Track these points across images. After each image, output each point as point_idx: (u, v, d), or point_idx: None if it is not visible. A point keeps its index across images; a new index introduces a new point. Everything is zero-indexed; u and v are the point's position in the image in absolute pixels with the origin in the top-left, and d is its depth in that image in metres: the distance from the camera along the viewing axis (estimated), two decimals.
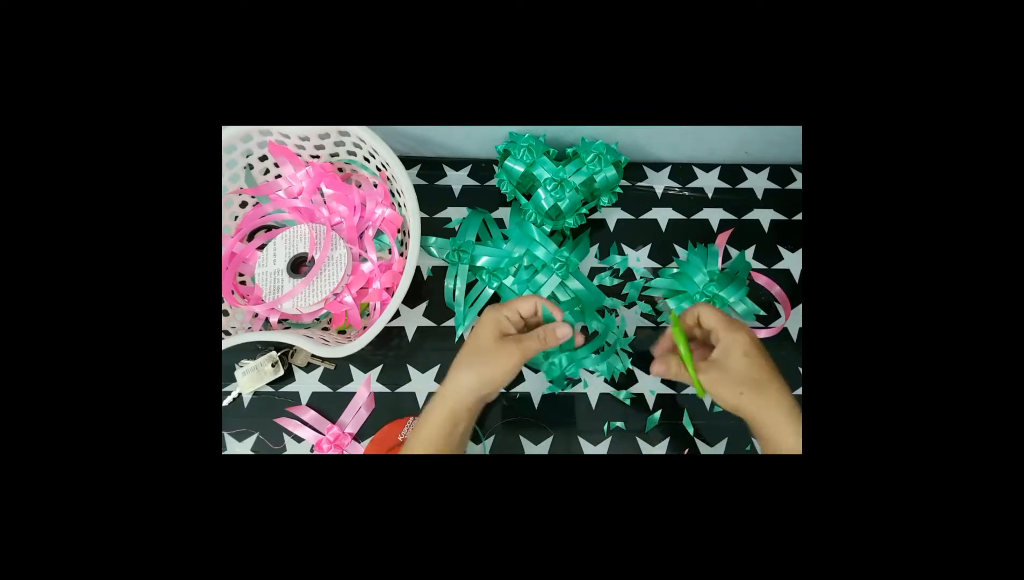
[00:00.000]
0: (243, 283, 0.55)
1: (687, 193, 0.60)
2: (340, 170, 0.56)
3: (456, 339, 0.55)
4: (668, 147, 0.60)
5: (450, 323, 0.55)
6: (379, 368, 0.54)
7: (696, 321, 0.41)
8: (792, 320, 0.56)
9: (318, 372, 0.54)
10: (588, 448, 0.52)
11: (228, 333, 0.48)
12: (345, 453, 0.51)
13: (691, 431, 0.53)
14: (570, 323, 0.42)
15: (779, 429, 0.36)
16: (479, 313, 0.55)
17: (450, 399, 0.39)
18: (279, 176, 0.55)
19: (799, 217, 0.60)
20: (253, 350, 0.53)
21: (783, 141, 0.58)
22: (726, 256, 0.58)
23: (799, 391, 0.53)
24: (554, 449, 0.52)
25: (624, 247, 0.58)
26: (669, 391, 0.54)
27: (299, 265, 0.53)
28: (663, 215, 0.59)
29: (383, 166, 0.51)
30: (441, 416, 0.39)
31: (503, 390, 0.53)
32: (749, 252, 0.58)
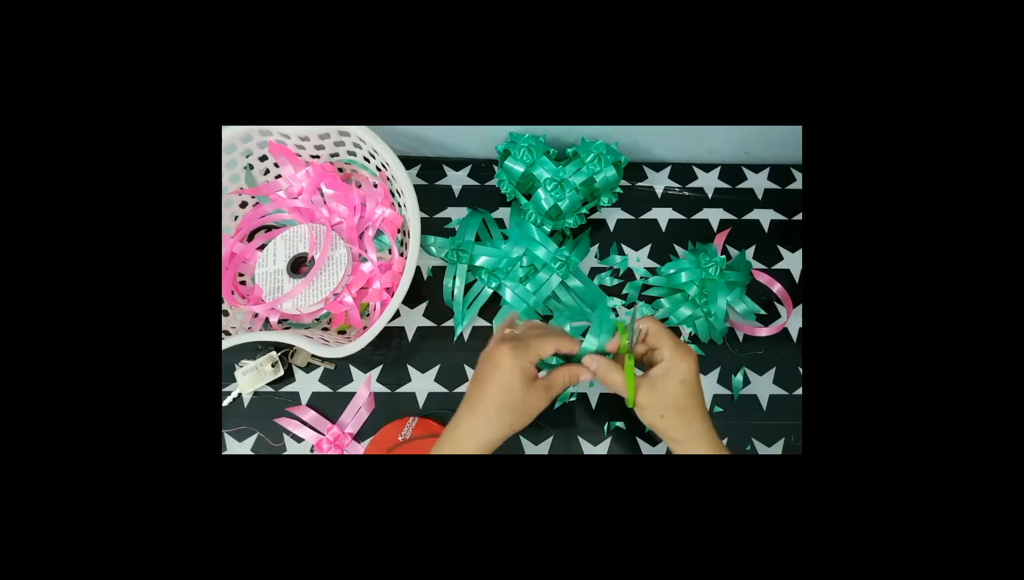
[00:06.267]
0: (243, 283, 0.55)
1: (687, 193, 0.60)
2: (340, 170, 0.56)
3: (455, 339, 0.55)
4: (668, 147, 0.60)
5: (450, 323, 0.55)
6: (379, 368, 0.54)
7: (645, 334, 0.40)
8: (792, 320, 0.56)
9: (318, 372, 0.54)
10: (588, 448, 0.52)
11: (228, 333, 0.48)
12: (345, 453, 0.51)
13: None
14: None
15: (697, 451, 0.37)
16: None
17: (477, 451, 0.37)
18: (279, 176, 0.55)
19: (799, 217, 0.60)
20: (253, 350, 0.53)
21: (783, 141, 0.58)
22: (726, 257, 0.58)
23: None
24: (554, 449, 0.52)
25: (624, 247, 0.58)
26: None
27: (299, 265, 0.53)
28: (663, 215, 0.59)
29: (383, 166, 0.51)
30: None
31: None
32: (749, 252, 0.58)
